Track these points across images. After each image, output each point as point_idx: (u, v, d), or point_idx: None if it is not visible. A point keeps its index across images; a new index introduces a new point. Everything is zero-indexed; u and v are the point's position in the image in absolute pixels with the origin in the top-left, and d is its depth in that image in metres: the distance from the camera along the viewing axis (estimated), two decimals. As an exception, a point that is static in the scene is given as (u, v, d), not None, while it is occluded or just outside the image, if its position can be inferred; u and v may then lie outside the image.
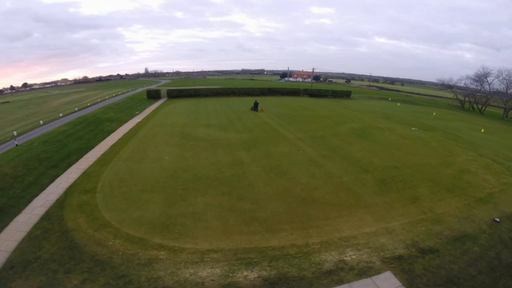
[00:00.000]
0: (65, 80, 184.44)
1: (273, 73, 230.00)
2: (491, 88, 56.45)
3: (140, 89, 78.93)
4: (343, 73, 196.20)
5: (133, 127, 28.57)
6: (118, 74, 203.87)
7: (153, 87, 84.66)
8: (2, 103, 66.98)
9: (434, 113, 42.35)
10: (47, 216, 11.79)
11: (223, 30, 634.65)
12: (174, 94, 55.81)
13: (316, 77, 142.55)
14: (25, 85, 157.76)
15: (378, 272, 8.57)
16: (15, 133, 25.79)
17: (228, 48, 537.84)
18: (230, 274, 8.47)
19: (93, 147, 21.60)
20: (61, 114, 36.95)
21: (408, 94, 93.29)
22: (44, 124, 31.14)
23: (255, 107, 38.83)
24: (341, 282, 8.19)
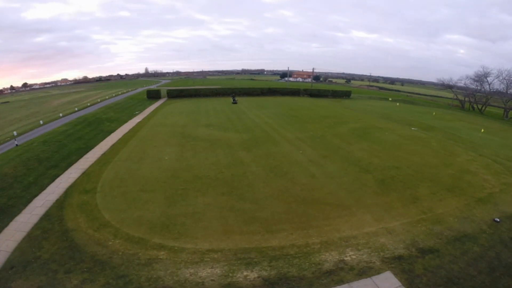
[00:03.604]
0: (65, 80, 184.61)
1: (273, 73, 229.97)
2: (491, 88, 56.50)
3: (140, 89, 78.94)
4: (343, 73, 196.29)
5: (133, 127, 28.57)
6: (118, 74, 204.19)
7: (153, 87, 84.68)
8: (2, 103, 66.98)
9: (434, 113, 42.34)
10: (47, 216, 11.79)
11: (186, 29, 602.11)
12: (174, 94, 55.85)
13: (316, 77, 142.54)
14: (25, 85, 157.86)
15: (378, 272, 8.57)
16: (15, 133, 25.80)
17: (204, 47, 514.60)
18: (230, 274, 8.47)
19: (93, 147, 21.60)
20: (61, 114, 36.96)
21: (408, 94, 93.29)
22: (44, 124, 31.15)
23: (234, 99, 47.41)
24: (341, 282, 8.19)
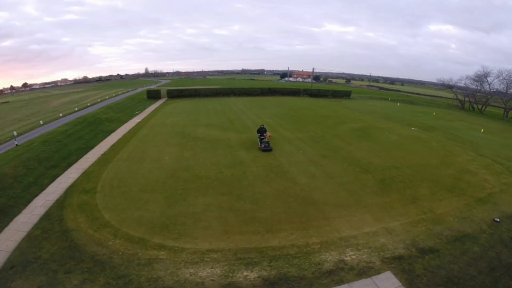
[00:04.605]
0: (65, 80, 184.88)
1: (273, 73, 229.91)
2: (491, 88, 56.55)
3: (140, 89, 78.99)
4: (343, 73, 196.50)
5: (133, 127, 28.57)
6: (118, 74, 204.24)
7: (153, 87, 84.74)
8: (2, 103, 66.95)
9: (434, 113, 42.37)
10: (47, 216, 11.79)
11: (148, 29, 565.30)
12: (174, 94, 55.85)
13: (316, 77, 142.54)
14: (25, 85, 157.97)
15: (378, 272, 8.56)
16: (15, 133, 25.79)
17: (181, 47, 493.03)
18: (230, 274, 8.47)
19: (93, 147, 21.59)
20: (61, 114, 36.98)
21: (408, 94, 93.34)
22: (44, 124, 31.17)
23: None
24: (341, 282, 8.19)
